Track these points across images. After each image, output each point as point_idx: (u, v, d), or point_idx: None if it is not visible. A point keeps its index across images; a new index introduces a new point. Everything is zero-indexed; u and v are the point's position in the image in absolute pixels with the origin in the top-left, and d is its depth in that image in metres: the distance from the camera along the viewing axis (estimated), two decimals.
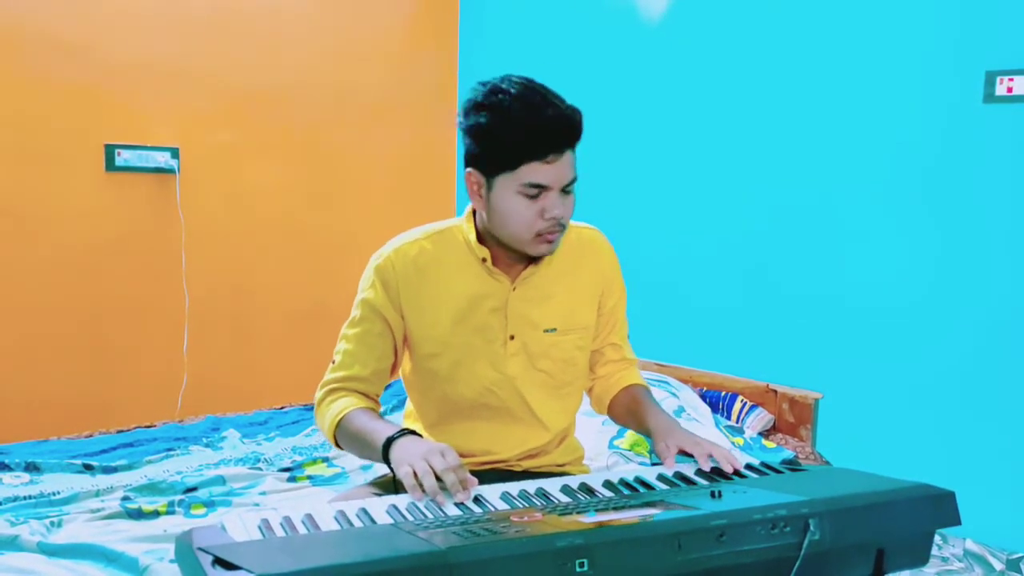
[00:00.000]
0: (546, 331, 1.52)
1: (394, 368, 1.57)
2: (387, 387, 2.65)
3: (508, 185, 1.38)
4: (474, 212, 1.50)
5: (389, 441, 1.34)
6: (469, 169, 1.43)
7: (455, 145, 3.85)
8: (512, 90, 1.36)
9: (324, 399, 1.51)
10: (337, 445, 1.49)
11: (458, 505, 1.21)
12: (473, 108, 1.39)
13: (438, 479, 1.23)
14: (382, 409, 2.52)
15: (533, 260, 1.50)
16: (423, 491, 1.23)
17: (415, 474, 1.24)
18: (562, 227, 1.42)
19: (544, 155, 1.35)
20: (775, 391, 2.43)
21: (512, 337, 1.51)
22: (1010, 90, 2.40)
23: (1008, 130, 2.42)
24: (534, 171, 1.36)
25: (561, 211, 1.39)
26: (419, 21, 3.69)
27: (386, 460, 1.33)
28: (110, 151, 2.98)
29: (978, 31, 2.45)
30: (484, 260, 1.48)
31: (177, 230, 3.11)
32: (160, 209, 3.09)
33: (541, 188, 1.37)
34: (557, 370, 1.55)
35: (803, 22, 2.80)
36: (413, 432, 1.37)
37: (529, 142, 1.34)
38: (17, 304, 2.88)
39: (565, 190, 1.40)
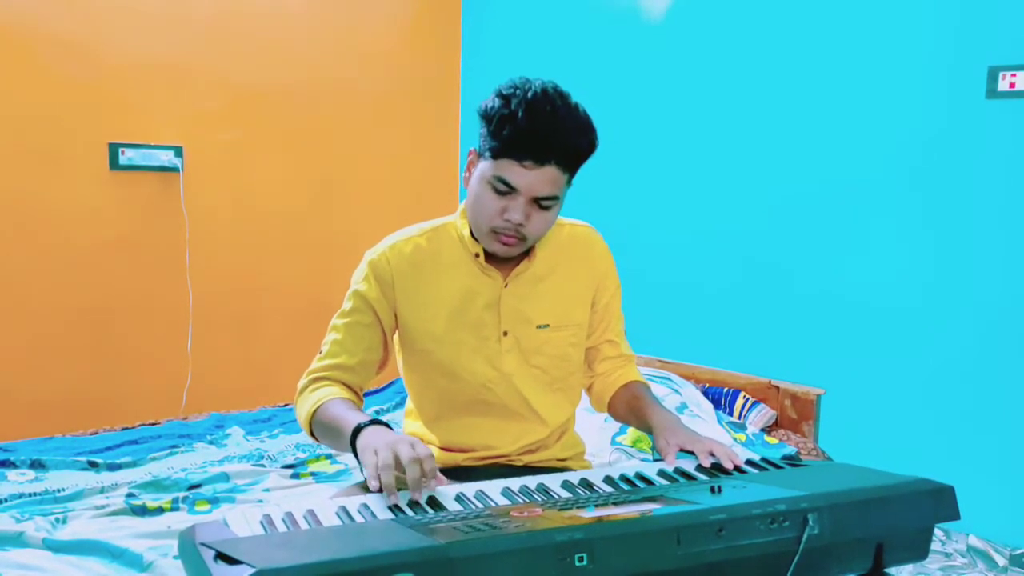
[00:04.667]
0: (539, 327, 1.53)
1: (382, 364, 1.56)
2: (388, 385, 2.68)
3: (485, 172, 1.39)
4: None
5: (358, 429, 1.30)
6: (473, 147, 1.45)
7: (458, 143, 3.86)
8: (531, 91, 1.36)
9: (307, 387, 1.49)
10: (312, 435, 1.46)
11: (458, 500, 1.21)
12: (495, 92, 1.40)
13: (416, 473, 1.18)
14: (384, 407, 2.54)
15: (525, 256, 1.51)
16: (380, 484, 1.18)
17: (377, 464, 1.19)
18: (522, 236, 1.41)
19: (522, 158, 1.35)
20: (777, 387, 2.43)
21: (505, 333, 1.51)
22: (1012, 85, 2.39)
23: (1010, 126, 2.42)
24: (508, 169, 1.36)
25: (521, 218, 1.38)
26: (422, 19, 3.70)
27: (354, 450, 1.29)
28: (114, 150, 2.99)
29: (980, 27, 2.45)
30: (477, 256, 1.49)
31: (181, 228, 3.12)
32: (164, 208, 3.10)
33: (510, 188, 1.37)
34: (551, 366, 1.55)
35: (804, 19, 2.80)
36: (382, 422, 1.32)
37: (512, 139, 1.35)
38: (21, 302, 2.89)
39: (540, 204, 1.39)
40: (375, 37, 3.56)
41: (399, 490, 1.19)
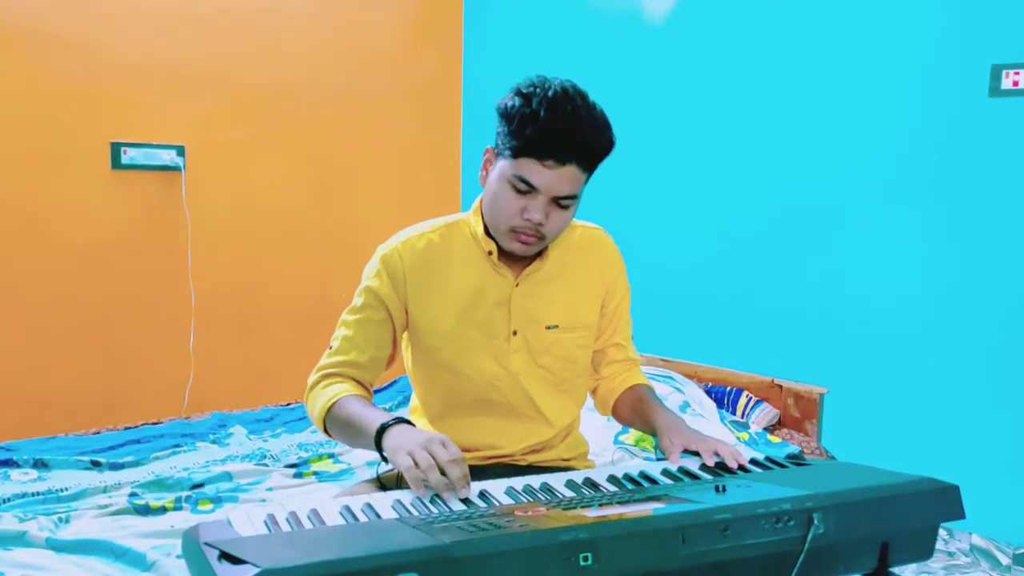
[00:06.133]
0: (548, 328, 1.53)
1: (391, 360, 1.56)
2: (392, 383, 2.68)
3: (505, 171, 1.39)
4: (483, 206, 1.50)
5: (383, 428, 1.31)
6: (489, 145, 1.45)
7: (460, 142, 3.85)
8: (552, 90, 1.36)
9: (318, 383, 1.49)
10: (325, 431, 1.46)
11: (463, 499, 1.21)
12: (514, 91, 1.40)
13: (441, 471, 1.21)
14: (387, 406, 2.54)
15: (537, 256, 1.51)
16: (425, 484, 1.20)
17: (417, 465, 1.21)
18: (541, 235, 1.41)
19: (544, 157, 1.35)
20: (780, 386, 2.43)
21: (515, 332, 1.51)
22: (1016, 84, 2.39)
23: (1013, 124, 2.42)
24: (529, 168, 1.36)
25: (540, 218, 1.38)
26: (424, 18, 3.69)
27: (379, 448, 1.31)
28: (116, 149, 2.99)
29: (983, 25, 2.45)
30: (490, 253, 1.49)
31: (183, 228, 3.12)
32: (166, 207, 3.10)
33: (530, 187, 1.37)
34: (558, 367, 1.55)
35: (807, 17, 2.80)
36: (407, 421, 1.35)
37: (533, 138, 1.34)
38: (24, 302, 2.89)
39: (559, 203, 1.39)
40: (377, 37, 3.56)
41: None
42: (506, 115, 1.38)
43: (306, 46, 3.37)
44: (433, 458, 1.21)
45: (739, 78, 2.96)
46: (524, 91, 1.37)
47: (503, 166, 1.40)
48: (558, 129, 1.34)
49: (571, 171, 1.37)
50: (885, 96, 2.64)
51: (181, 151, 3.10)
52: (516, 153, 1.37)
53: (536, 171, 1.36)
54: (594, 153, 1.39)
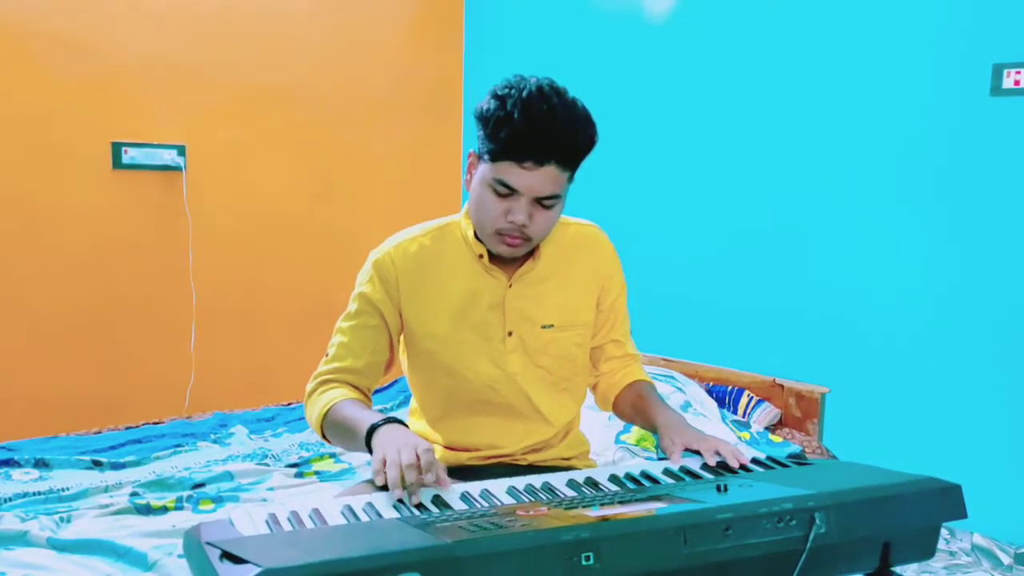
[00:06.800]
0: (543, 327, 1.52)
1: (389, 364, 1.56)
2: (392, 384, 2.67)
3: (486, 174, 1.39)
4: None
5: (372, 429, 1.31)
6: (472, 149, 1.45)
7: (461, 142, 3.85)
8: (526, 90, 1.34)
9: (315, 390, 1.50)
10: (324, 437, 1.47)
11: (464, 499, 1.21)
12: (491, 93, 1.38)
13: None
14: (388, 406, 2.54)
15: (529, 256, 1.50)
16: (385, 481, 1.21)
17: (383, 461, 1.22)
18: (526, 237, 1.41)
19: (522, 159, 1.34)
20: (782, 386, 2.43)
21: (510, 333, 1.51)
22: (1017, 83, 2.39)
23: (1015, 123, 2.41)
24: (508, 171, 1.35)
25: (523, 219, 1.37)
26: (425, 18, 3.69)
27: (369, 449, 1.31)
28: (117, 149, 2.99)
29: (985, 24, 2.45)
30: (481, 256, 1.48)
31: (184, 227, 3.12)
32: (167, 207, 3.10)
33: (511, 190, 1.36)
34: (556, 366, 1.55)
35: (808, 17, 2.80)
36: (399, 421, 1.34)
37: (509, 141, 1.33)
38: (24, 301, 2.89)
39: (542, 203, 1.38)
40: (378, 36, 3.56)
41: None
42: (483, 119, 1.37)
43: (307, 46, 3.37)
44: (399, 460, 1.21)
45: (740, 77, 2.96)
46: (499, 93, 1.36)
47: (483, 170, 1.39)
48: (533, 130, 1.32)
49: (551, 171, 1.36)
50: (886, 95, 2.64)
51: (182, 151, 3.10)
52: (494, 156, 1.36)
53: (515, 173, 1.35)
54: (573, 152, 1.37)
